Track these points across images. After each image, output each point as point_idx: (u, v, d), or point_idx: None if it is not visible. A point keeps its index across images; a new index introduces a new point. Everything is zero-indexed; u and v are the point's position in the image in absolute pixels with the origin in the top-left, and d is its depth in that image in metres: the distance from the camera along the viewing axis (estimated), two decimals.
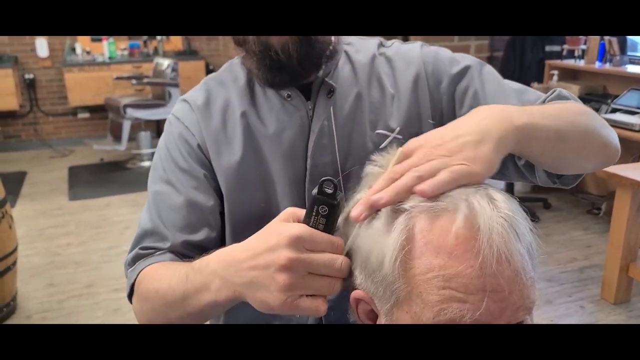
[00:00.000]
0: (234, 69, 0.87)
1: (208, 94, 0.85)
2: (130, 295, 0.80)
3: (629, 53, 4.00)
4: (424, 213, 0.53)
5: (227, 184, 0.81)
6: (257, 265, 0.58)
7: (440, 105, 0.83)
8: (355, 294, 0.59)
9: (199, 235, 0.80)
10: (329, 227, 0.59)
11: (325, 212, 0.58)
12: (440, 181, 0.54)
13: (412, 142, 0.60)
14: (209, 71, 6.09)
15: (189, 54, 6.04)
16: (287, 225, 0.58)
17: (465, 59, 0.85)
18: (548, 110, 0.70)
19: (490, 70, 0.84)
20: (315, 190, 0.58)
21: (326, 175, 0.62)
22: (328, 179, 0.58)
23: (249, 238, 0.62)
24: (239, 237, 0.71)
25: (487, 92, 0.81)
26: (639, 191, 2.55)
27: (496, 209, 0.52)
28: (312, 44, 0.76)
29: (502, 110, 0.62)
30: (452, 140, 0.58)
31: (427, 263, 0.52)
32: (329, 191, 0.58)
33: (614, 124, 2.80)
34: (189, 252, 0.79)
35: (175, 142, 0.83)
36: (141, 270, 0.78)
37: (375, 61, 0.85)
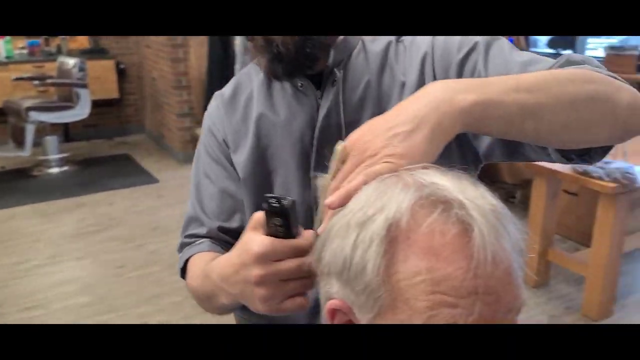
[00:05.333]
0: (260, 61, 0.90)
1: (237, 86, 0.91)
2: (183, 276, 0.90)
3: (531, 49, 4.23)
4: (406, 209, 0.49)
5: (242, 175, 0.87)
6: (238, 280, 0.63)
7: None
8: (331, 304, 0.54)
9: (234, 222, 0.88)
10: (289, 230, 0.60)
11: (279, 222, 0.60)
12: (350, 189, 0.54)
13: (350, 138, 0.59)
14: (120, 71, 5.79)
15: (96, 52, 5.69)
16: (252, 241, 0.61)
17: (476, 38, 0.78)
18: (520, 82, 0.60)
19: (500, 45, 0.77)
20: (264, 206, 0.61)
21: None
22: (270, 196, 0.60)
23: (232, 250, 0.66)
24: None
25: (490, 71, 0.74)
26: (553, 179, 2.69)
27: (486, 203, 0.49)
28: (311, 37, 0.79)
29: (445, 90, 0.57)
30: (383, 134, 0.55)
31: (413, 266, 0.48)
32: (276, 205, 0.59)
33: None
34: (226, 237, 0.88)
35: (207, 136, 0.91)
36: (187, 260, 0.87)
37: (390, 49, 0.84)
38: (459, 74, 0.78)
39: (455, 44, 0.79)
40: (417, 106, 0.56)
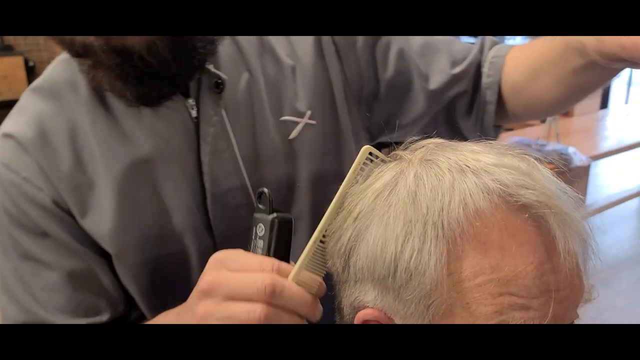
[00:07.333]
0: (67, 71, 0.62)
1: (39, 120, 0.60)
2: None
3: None
4: (467, 199, 0.41)
5: (113, 248, 0.60)
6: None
7: (358, 70, 0.69)
8: (365, 315, 0.45)
9: (104, 316, 0.62)
10: (271, 250, 0.49)
11: (262, 232, 0.49)
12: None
13: None
14: (29, 69, 5.36)
15: (2, 49, 5.24)
16: None
17: None
18: None
19: None
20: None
21: (233, 194, 0.58)
22: (262, 191, 0.50)
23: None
24: (152, 296, 0.63)
25: (414, 48, 0.70)
26: None
27: (553, 186, 0.43)
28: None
29: None
30: None
31: (473, 265, 0.41)
32: (262, 207, 0.50)
33: None
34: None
35: (15, 201, 0.59)
36: None
37: None
38: (371, 49, 0.69)
39: None
40: None
